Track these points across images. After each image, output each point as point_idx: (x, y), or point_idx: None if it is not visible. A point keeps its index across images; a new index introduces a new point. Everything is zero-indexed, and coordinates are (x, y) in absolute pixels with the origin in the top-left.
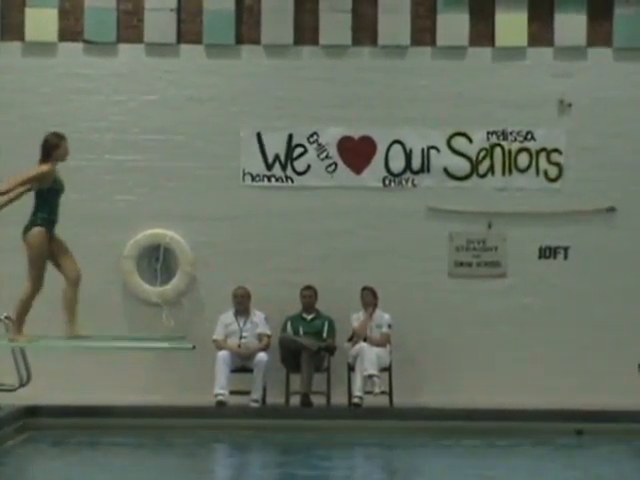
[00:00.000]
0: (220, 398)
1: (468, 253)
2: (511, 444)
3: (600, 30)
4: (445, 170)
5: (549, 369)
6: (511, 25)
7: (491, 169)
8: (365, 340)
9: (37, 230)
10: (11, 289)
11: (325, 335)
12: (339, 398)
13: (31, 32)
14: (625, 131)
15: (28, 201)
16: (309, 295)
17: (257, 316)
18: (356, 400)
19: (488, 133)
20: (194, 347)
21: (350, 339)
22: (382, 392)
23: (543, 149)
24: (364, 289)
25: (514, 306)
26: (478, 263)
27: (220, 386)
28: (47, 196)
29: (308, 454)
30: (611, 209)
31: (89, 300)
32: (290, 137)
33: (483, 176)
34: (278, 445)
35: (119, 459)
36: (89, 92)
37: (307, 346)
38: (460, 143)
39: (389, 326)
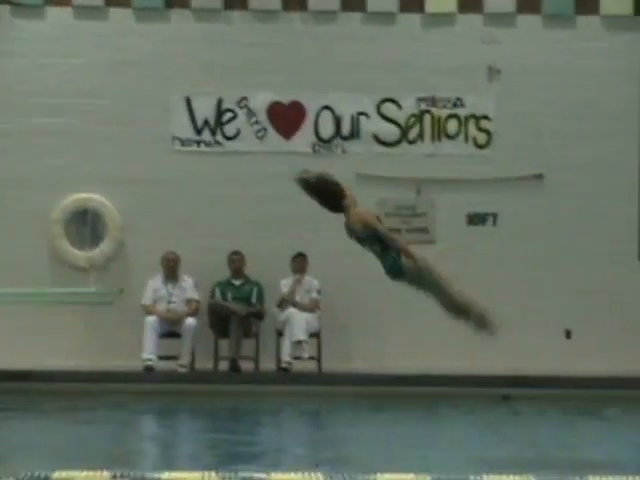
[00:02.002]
0: (148, 363)
1: (397, 219)
2: (437, 409)
3: None
4: (374, 136)
5: (476, 335)
6: None
7: (420, 135)
8: (294, 306)
9: None
10: None
11: (254, 300)
12: (268, 364)
13: None
14: (554, 98)
15: None
16: (237, 260)
17: (186, 281)
18: (285, 365)
19: (418, 99)
20: (122, 291)
21: (279, 305)
22: (311, 357)
23: (472, 116)
24: (296, 255)
25: (442, 272)
26: (407, 229)
27: (148, 351)
28: None
29: (236, 419)
30: (539, 176)
31: (16, 264)
32: (219, 102)
33: (412, 142)
34: (206, 410)
35: (42, 423)
36: (16, 55)
37: (236, 311)
38: (390, 109)
39: (318, 292)
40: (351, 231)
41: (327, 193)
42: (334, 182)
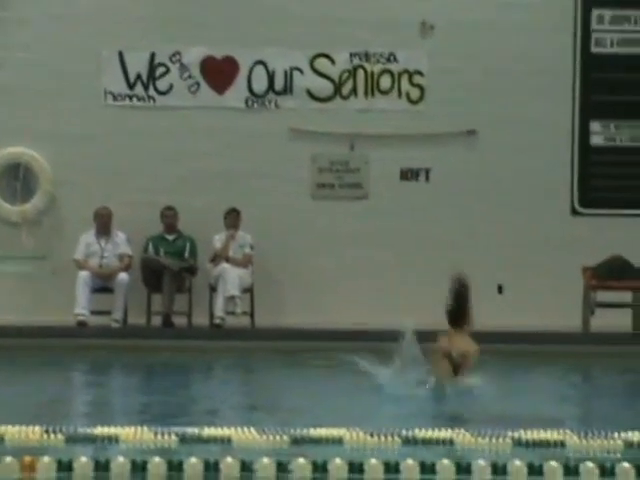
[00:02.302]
0: (81, 318)
1: (330, 175)
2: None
3: None
4: (308, 91)
5: (409, 290)
6: None
7: (354, 91)
8: (227, 261)
9: None
10: None
11: (187, 255)
12: (201, 319)
13: None
14: (487, 53)
15: None
16: (170, 215)
17: (118, 236)
18: (218, 321)
19: (351, 55)
20: (54, 272)
21: (212, 260)
22: (244, 313)
23: (405, 71)
24: (229, 211)
25: (376, 228)
26: (340, 185)
27: (81, 306)
28: None
29: (169, 375)
30: (472, 132)
31: None
32: (152, 56)
33: (346, 98)
34: (139, 366)
35: None
36: None
37: (168, 266)
38: (323, 64)
39: (251, 247)
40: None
41: (463, 305)
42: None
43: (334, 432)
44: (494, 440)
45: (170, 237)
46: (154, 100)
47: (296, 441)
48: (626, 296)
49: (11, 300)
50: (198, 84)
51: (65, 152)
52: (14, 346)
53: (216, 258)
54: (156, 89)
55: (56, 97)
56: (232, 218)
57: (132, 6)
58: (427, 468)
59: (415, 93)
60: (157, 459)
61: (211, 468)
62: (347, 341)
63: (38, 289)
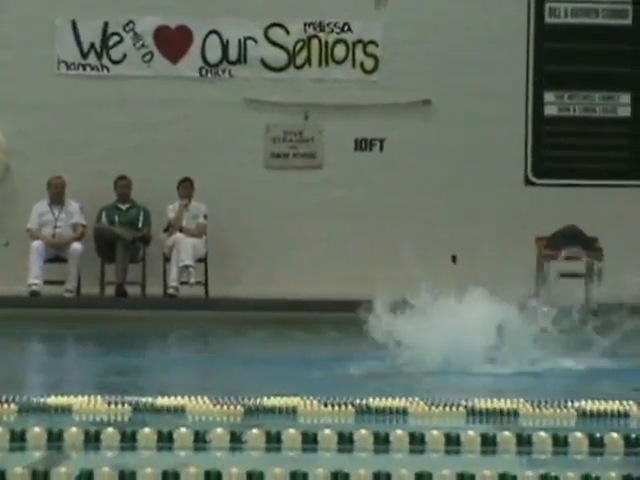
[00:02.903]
0: (34, 288)
1: (284, 144)
2: (320, 334)
3: None
4: (262, 61)
5: (362, 261)
6: None
7: (308, 60)
8: (181, 231)
9: None
10: None
11: (140, 225)
12: (155, 289)
13: None
14: (441, 23)
15: None
16: (124, 185)
17: (72, 206)
18: (171, 291)
19: (305, 24)
20: (7, 244)
21: (166, 229)
22: (197, 283)
23: (360, 41)
24: (183, 180)
25: (330, 198)
26: (294, 154)
27: (34, 276)
28: None
29: (122, 345)
30: (427, 102)
31: None
32: (106, 25)
33: (300, 67)
34: (92, 336)
35: None
36: None
37: (122, 236)
38: (277, 34)
39: (205, 217)
40: None
41: None
42: None
43: (288, 401)
44: (448, 409)
45: (124, 207)
46: (108, 69)
47: (250, 411)
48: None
49: None
50: (152, 53)
51: (18, 122)
52: None
53: (170, 228)
54: (110, 58)
55: (9, 66)
56: (185, 188)
57: None
58: (380, 439)
59: (369, 63)
60: (110, 429)
61: (165, 438)
62: (300, 311)
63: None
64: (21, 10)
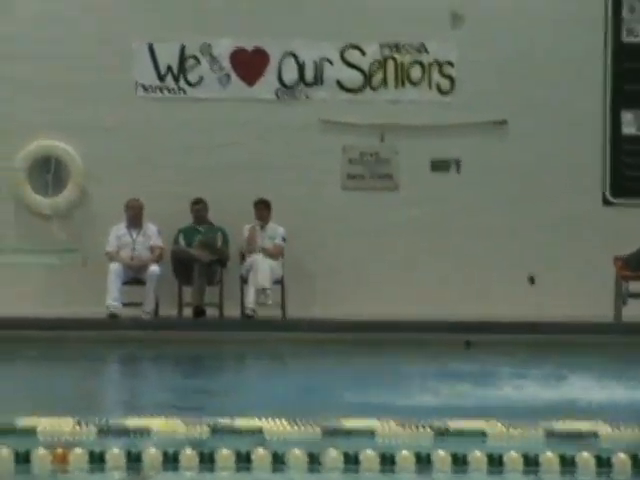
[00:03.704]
0: (112, 310)
1: (361, 166)
2: (400, 355)
3: None
4: (338, 82)
5: (440, 281)
6: None
7: (384, 82)
8: (251, 252)
9: None
10: None
11: (219, 245)
12: (232, 310)
13: None
14: (517, 43)
15: None
16: (200, 208)
17: (149, 228)
18: (249, 312)
19: (381, 46)
20: (85, 262)
21: (242, 251)
22: (275, 304)
23: (435, 62)
24: (258, 202)
25: (406, 218)
26: (371, 176)
27: (112, 298)
28: None
29: (200, 366)
30: (503, 122)
31: None
32: (182, 48)
33: (376, 89)
34: (170, 357)
35: (5, 371)
36: None
37: (199, 258)
38: (353, 55)
39: (283, 239)
40: None
41: None
42: None
43: (366, 423)
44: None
45: (201, 228)
46: (184, 92)
47: (328, 432)
48: None
49: (43, 293)
50: (228, 76)
51: (96, 145)
52: (46, 339)
53: (245, 249)
54: (187, 81)
55: (87, 90)
56: (260, 209)
57: None
58: (459, 460)
59: (445, 84)
60: (189, 450)
61: (243, 459)
62: (378, 332)
63: (70, 282)
64: (100, 34)
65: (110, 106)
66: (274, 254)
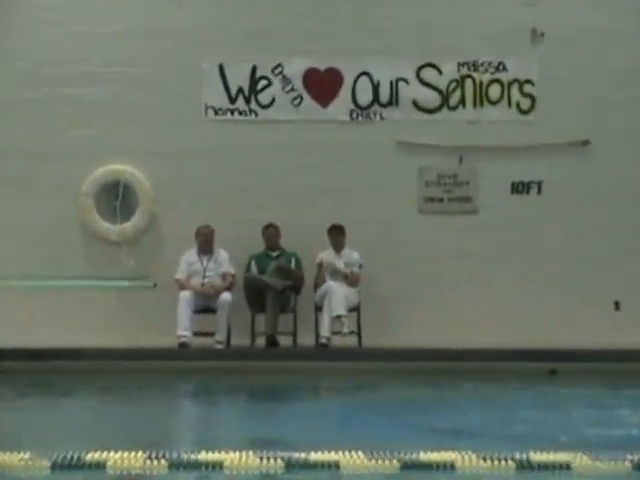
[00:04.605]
0: (183, 339)
1: (438, 188)
2: (481, 385)
3: None
4: (414, 102)
5: (521, 307)
6: None
7: (462, 101)
8: (321, 278)
9: None
10: None
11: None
12: (306, 339)
13: None
14: (599, 61)
15: None
16: (271, 235)
17: (221, 255)
18: (323, 341)
19: (459, 64)
20: (155, 285)
21: (317, 279)
22: (351, 332)
23: (515, 80)
24: (332, 228)
25: (486, 242)
26: (449, 198)
27: (183, 327)
28: None
29: (274, 397)
30: (585, 142)
31: (46, 238)
32: (254, 69)
33: (454, 108)
34: (244, 388)
35: (75, 403)
36: (48, 23)
37: (272, 285)
38: (430, 75)
39: (360, 266)
40: None
41: None
42: None
43: (445, 456)
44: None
45: (273, 254)
46: (256, 114)
47: (407, 466)
48: None
49: (112, 321)
50: (301, 97)
51: (165, 169)
52: (116, 369)
53: (320, 277)
54: (258, 102)
55: (156, 113)
56: (335, 235)
57: (232, 18)
58: None
59: (526, 103)
60: None
61: None
62: (456, 361)
63: (139, 310)
64: (169, 55)
65: (180, 129)
66: (351, 281)
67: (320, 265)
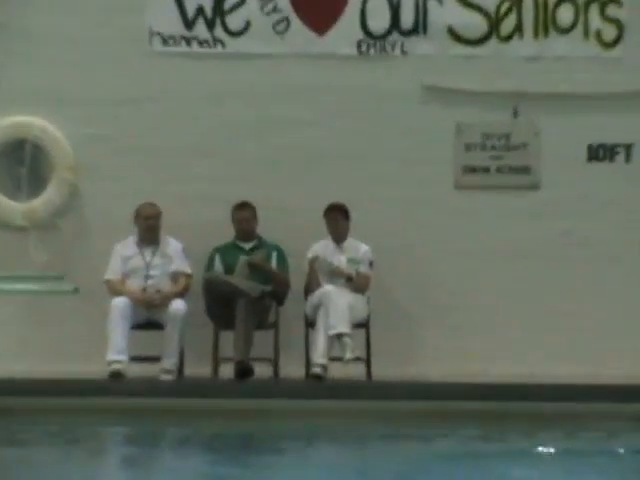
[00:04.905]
0: (116, 367)
1: (484, 154)
2: (552, 436)
3: None
4: (450, 30)
5: (605, 328)
6: None
7: (518, 29)
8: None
9: None
10: None
11: (274, 269)
12: (292, 368)
13: None
14: None
15: None
16: (246, 219)
17: (171, 246)
18: (317, 370)
19: None
20: (76, 290)
21: (308, 283)
22: (356, 358)
23: None
24: (330, 208)
25: (551, 233)
26: (498, 168)
27: (116, 349)
28: None
29: (246, 452)
30: None
31: None
32: None
33: (506, 39)
34: (203, 438)
35: None
36: None
37: (245, 290)
38: None
39: (370, 264)
40: None
41: None
42: None
43: None
44: None
45: (247, 246)
46: (223, 45)
47: None
48: None
49: (17, 342)
50: (288, 21)
51: (91, 123)
52: (18, 408)
53: (312, 278)
54: (226, 29)
55: (78, 41)
56: (334, 218)
57: None
58: None
59: (610, 32)
60: None
61: None
62: (511, 401)
63: (54, 326)
64: None
65: (113, 65)
66: (357, 286)
67: (313, 262)
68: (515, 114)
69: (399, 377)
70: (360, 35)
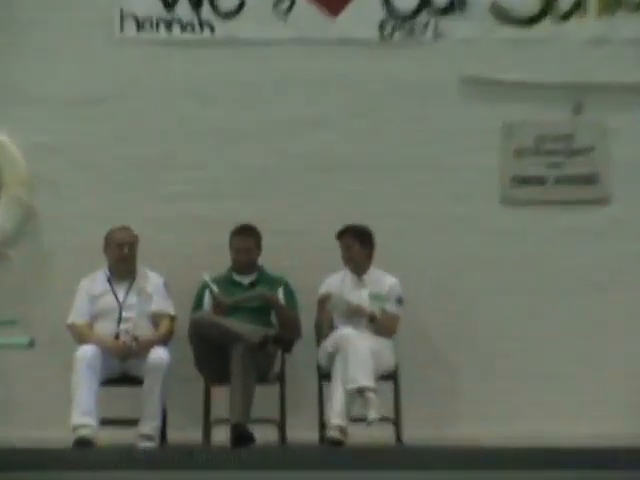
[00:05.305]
0: (82, 432)
1: (540, 159)
2: None
3: None
4: (494, 8)
5: None
6: None
7: (578, 6)
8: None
9: None
10: None
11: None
12: (303, 431)
13: None
14: None
15: None
16: (247, 248)
17: (150, 281)
18: (334, 434)
19: None
20: (32, 343)
21: (319, 326)
22: (382, 418)
23: None
24: (345, 231)
25: (624, 258)
26: (557, 179)
27: (82, 411)
28: None
29: None
30: None
31: None
32: None
33: (565, 18)
34: None
35: None
36: None
37: (243, 336)
38: None
39: (398, 300)
40: None
41: None
42: None
43: None
44: None
45: (245, 280)
46: (212, 29)
47: None
48: None
49: None
50: (292, 0)
51: (49, 125)
52: None
53: (323, 321)
54: (215, 9)
55: (36, 27)
56: (351, 244)
57: None
58: None
59: None
60: None
61: None
62: (572, 469)
63: (4, 385)
64: None
65: (76, 55)
66: (383, 328)
67: (324, 301)
68: (577, 111)
69: (435, 441)
70: (382, 15)
